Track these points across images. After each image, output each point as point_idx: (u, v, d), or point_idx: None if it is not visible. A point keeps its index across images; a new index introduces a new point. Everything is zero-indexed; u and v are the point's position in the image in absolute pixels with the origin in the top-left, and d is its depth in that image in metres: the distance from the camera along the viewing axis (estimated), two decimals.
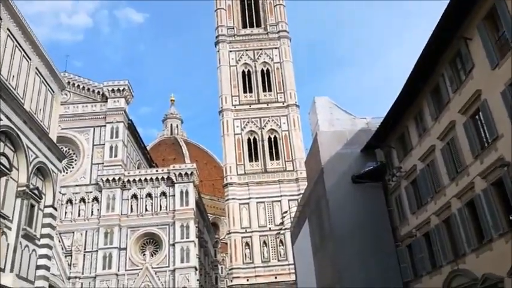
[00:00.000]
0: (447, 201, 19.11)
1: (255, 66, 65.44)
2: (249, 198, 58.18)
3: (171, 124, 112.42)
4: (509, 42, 14.62)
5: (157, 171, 53.55)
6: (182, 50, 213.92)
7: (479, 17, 16.17)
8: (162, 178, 51.68)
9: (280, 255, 56.12)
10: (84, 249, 47.78)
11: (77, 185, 50.85)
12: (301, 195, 44.66)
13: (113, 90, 54.75)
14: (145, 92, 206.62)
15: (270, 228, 57.06)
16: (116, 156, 52.01)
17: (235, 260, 55.77)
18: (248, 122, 62.11)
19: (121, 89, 54.85)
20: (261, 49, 66.54)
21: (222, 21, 67.43)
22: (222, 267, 78.28)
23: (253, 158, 60.71)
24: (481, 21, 16.11)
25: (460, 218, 18.30)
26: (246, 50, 66.38)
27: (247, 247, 56.33)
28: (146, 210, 50.25)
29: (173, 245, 48.38)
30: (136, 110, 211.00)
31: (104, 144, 52.63)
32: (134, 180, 51.21)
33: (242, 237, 56.47)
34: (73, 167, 52.40)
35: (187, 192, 51.04)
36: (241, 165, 59.88)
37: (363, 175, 24.82)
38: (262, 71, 65.37)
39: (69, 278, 44.96)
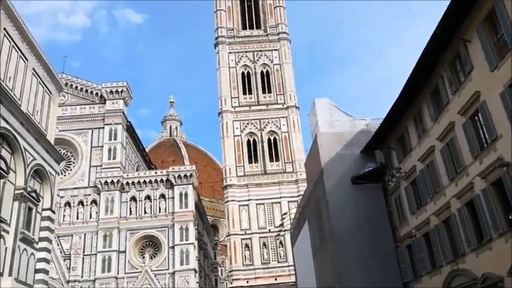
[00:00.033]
0: (447, 201, 19.17)
1: (255, 68, 65.42)
2: (249, 199, 58.08)
3: (170, 126, 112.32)
4: (508, 44, 14.76)
5: (156, 173, 53.41)
6: (181, 51, 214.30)
7: (479, 19, 16.31)
8: (161, 180, 51.56)
9: (280, 256, 56.01)
10: (83, 252, 47.56)
11: (75, 188, 50.68)
12: (300, 197, 44.57)
13: (111, 92, 54.60)
14: (144, 94, 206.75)
15: (269, 229, 56.97)
16: (114, 158, 51.85)
17: (235, 262, 55.64)
18: (248, 124, 62.05)
19: (119, 90, 54.71)
20: (260, 51, 66.54)
21: (221, 22, 67.41)
22: (221, 269, 78.11)
23: (253, 159, 60.64)
24: (480, 24, 16.26)
25: (459, 218, 18.35)
26: (246, 52, 66.36)
27: (246, 249, 56.21)
28: (145, 212, 50.09)
29: (172, 247, 48.23)
30: (135, 111, 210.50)
31: (102, 146, 52.44)
32: (133, 183, 51.05)
33: (242, 239, 56.34)
34: (71, 170, 52.24)
35: (186, 195, 50.90)
36: (241, 167, 59.80)
37: (362, 176, 24.83)
38: (261, 72, 65.36)
39: (68, 282, 44.75)
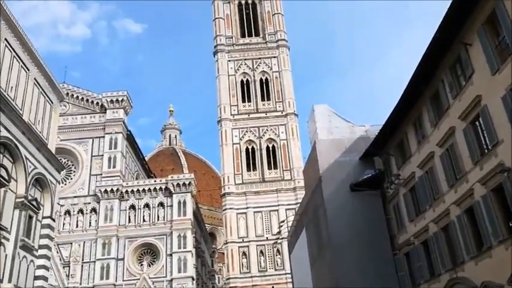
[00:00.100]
0: (446, 208, 18.97)
1: (254, 76, 65.69)
2: (247, 207, 58.13)
3: (170, 135, 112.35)
4: (510, 47, 14.52)
5: (155, 181, 53.42)
6: (180, 60, 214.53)
7: (479, 22, 16.07)
8: (160, 188, 51.56)
9: (277, 264, 55.98)
10: (82, 260, 47.56)
11: (75, 196, 50.71)
12: (298, 205, 44.62)
13: (111, 101, 54.75)
14: (144, 103, 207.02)
15: (267, 237, 57.00)
16: (114, 167, 51.88)
17: (232, 269, 55.61)
18: (247, 132, 62.22)
19: (120, 99, 54.87)
20: (259, 58, 66.86)
21: (220, 30, 67.79)
22: (219, 277, 77.76)
23: (251, 167, 60.76)
24: (481, 26, 16.01)
25: (459, 225, 18.15)
26: (245, 59, 66.68)
27: (244, 257, 56.19)
28: (144, 220, 50.06)
29: (170, 255, 48.14)
30: (135, 120, 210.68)
31: (102, 155, 52.48)
32: (132, 191, 51.09)
33: (239, 247, 56.35)
34: (71, 179, 52.28)
35: (184, 203, 50.89)
36: (239, 175, 59.89)
37: (361, 183, 24.78)
38: (260, 80, 65.63)
39: None
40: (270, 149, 61.85)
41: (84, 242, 48.48)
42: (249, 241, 56.54)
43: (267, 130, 62.59)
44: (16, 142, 23.06)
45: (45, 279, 25.60)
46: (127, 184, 51.56)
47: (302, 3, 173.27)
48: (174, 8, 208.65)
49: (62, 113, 45.30)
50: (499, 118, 15.24)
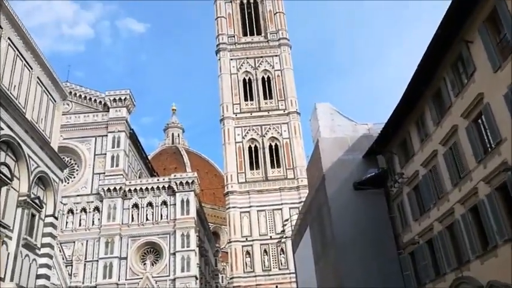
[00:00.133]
0: (450, 207, 18.86)
1: (256, 74, 65.68)
2: (250, 206, 58.05)
3: (173, 133, 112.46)
4: (511, 45, 14.46)
5: (158, 180, 53.46)
6: (183, 59, 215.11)
7: (480, 20, 16.02)
8: (163, 187, 51.60)
9: (281, 263, 55.86)
10: (85, 258, 47.63)
11: (78, 195, 50.84)
12: (302, 203, 44.54)
13: (114, 100, 54.83)
14: (146, 102, 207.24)
15: (270, 236, 56.89)
16: (117, 165, 51.99)
17: (235, 269, 55.52)
18: (249, 130, 62.18)
19: (122, 98, 54.96)
20: (261, 57, 66.87)
21: (222, 29, 67.84)
22: (222, 277, 77.77)
23: (254, 166, 60.70)
24: (482, 24, 15.96)
25: (463, 224, 18.03)
26: (247, 58, 66.70)
27: (247, 256, 56.09)
28: (147, 219, 50.11)
29: (174, 254, 48.16)
30: (138, 119, 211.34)
31: (105, 154, 52.63)
32: (135, 190, 51.13)
33: (243, 246, 56.26)
34: (74, 177, 52.39)
35: (188, 201, 50.90)
36: (242, 174, 59.84)
37: (364, 181, 24.67)
38: (263, 78, 65.60)
39: None
40: (273, 147, 61.79)
41: (87, 241, 48.56)
42: (253, 240, 56.47)
43: (269, 129, 62.53)
44: (19, 140, 23.09)
45: (48, 278, 25.63)
46: (130, 183, 51.64)
47: (303, 3, 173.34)
48: (176, 8, 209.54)
49: (65, 112, 45.41)
50: (502, 116, 15.15)
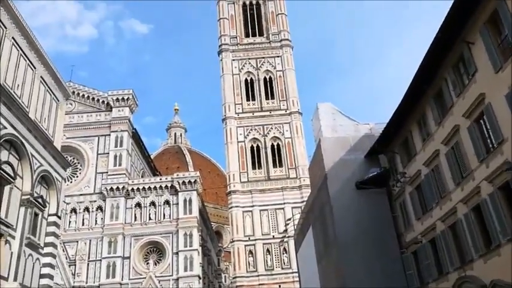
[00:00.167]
0: (453, 206, 18.89)
1: (258, 75, 65.84)
2: (252, 206, 58.10)
3: (175, 133, 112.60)
4: None
5: (160, 179, 53.52)
6: (186, 60, 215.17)
7: (481, 21, 16.14)
8: (166, 186, 51.67)
9: (284, 263, 55.87)
10: (88, 258, 47.69)
11: (81, 194, 50.92)
12: (304, 203, 44.55)
13: (117, 100, 54.94)
14: (149, 102, 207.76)
15: (273, 236, 56.91)
16: (120, 165, 52.08)
17: (238, 268, 55.56)
18: (251, 130, 62.27)
19: (125, 98, 55.07)
20: (263, 58, 67.06)
21: (225, 30, 68.04)
22: (225, 276, 77.87)
23: (257, 165, 60.77)
24: (483, 25, 16.10)
25: (466, 223, 18.07)
26: (249, 59, 66.88)
27: (250, 255, 56.13)
28: (150, 218, 50.16)
29: (177, 253, 48.21)
30: (140, 119, 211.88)
31: (108, 153, 52.70)
32: (138, 189, 51.22)
33: (245, 245, 56.30)
34: (77, 176, 52.52)
35: (190, 201, 50.96)
36: (245, 173, 59.90)
37: (366, 181, 24.74)
38: (264, 79, 65.77)
39: (73, 287, 44.79)
40: (275, 147, 61.86)
41: (90, 240, 48.64)
42: (256, 239, 56.50)
43: (271, 128, 62.62)
44: (22, 139, 23.16)
45: (51, 277, 25.63)
46: (133, 182, 51.71)
47: (303, 3, 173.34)
48: (179, 9, 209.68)
49: (68, 111, 45.54)
50: (504, 116, 15.27)
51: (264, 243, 56.56)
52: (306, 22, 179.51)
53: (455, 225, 18.99)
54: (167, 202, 51.01)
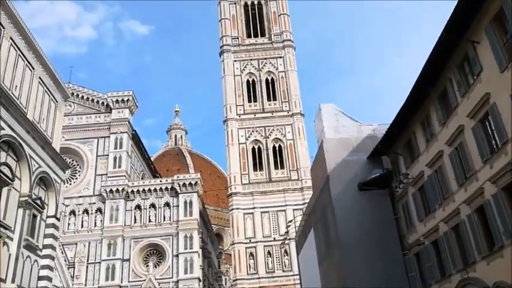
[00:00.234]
0: (456, 207, 18.76)
1: (260, 76, 65.58)
2: (253, 207, 57.84)
3: (175, 135, 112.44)
4: None
5: (161, 181, 53.33)
6: (187, 61, 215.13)
7: (487, 20, 16.00)
8: (166, 188, 51.45)
9: (285, 265, 55.59)
10: (87, 260, 47.49)
11: (80, 196, 50.72)
12: (305, 205, 44.30)
13: (117, 101, 54.75)
14: (149, 104, 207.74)
15: (274, 238, 56.65)
16: (119, 167, 51.86)
17: (239, 271, 55.28)
18: (253, 131, 62.03)
19: (125, 99, 54.88)
20: (265, 58, 66.79)
21: (226, 31, 67.80)
22: (226, 279, 77.58)
23: (258, 167, 60.52)
24: (488, 24, 15.96)
25: (469, 224, 17.93)
26: (251, 60, 66.62)
27: (251, 258, 55.86)
28: (150, 221, 49.95)
29: (177, 256, 47.98)
30: (141, 121, 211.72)
31: (107, 155, 52.50)
32: (138, 191, 51.00)
33: (246, 248, 56.03)
34: (76, 178, 52.30)
35: (191, 203, 50.73)
36: (246, 175, 59.65)
37: (369, 182, 24.53)
38: (266, 80, 65.52)
39: None
40: (277, 148, 61.60)
41: (90, 243, 48.44)
42: (256, 242, 56.24)
43: (273, 130, 62.37)
44: (20, 140, 22.98)
45: (50, 279, 25.45)
46: (132, 184, 51.51)
47: (303, 3, 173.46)
48: (180, 9, 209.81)
49: (67, 113, 45.33)
50: (508, 116, 15.11)
51: (265, 246, 56.29)
52: (306, 22, 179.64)
53: (458, 226, 18.85)
54: (167, 204, 50.79)
